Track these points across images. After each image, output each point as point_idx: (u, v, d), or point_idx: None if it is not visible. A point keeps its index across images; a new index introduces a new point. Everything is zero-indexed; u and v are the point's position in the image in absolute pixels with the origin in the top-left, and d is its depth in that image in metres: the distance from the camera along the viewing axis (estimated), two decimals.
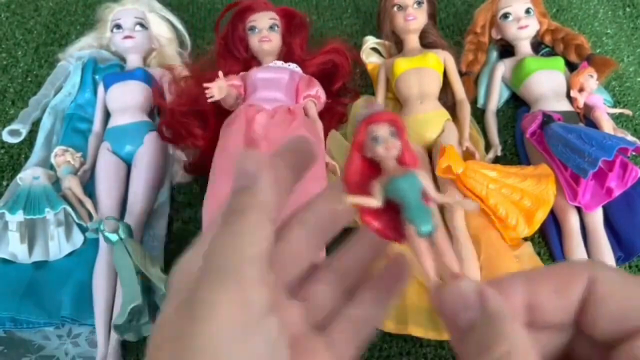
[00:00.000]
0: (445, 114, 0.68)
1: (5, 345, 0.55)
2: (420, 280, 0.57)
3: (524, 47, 0.74)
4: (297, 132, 0.62)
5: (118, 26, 0.74)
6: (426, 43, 0.75)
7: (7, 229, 0.59)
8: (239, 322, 0.14)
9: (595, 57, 0.72)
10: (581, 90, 0.68)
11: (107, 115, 0.72)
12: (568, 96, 0.70)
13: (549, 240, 0.61)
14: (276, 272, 0.16)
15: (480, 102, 0.75)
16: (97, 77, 0.75)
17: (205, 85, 0.60)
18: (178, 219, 0.65)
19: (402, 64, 0.71)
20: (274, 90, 0.67)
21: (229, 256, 0.15)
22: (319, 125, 0.67)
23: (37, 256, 0.59)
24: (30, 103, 0.74)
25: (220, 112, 0.67)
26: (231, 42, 0.74)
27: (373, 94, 0.74)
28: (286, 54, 0.74)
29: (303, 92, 0.68)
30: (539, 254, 0.60)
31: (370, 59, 0.77)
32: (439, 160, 0.59)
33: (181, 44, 0.80)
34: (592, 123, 0.68)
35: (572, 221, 0.60)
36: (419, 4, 0.74)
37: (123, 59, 0.76)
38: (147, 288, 0.54)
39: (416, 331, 0.54)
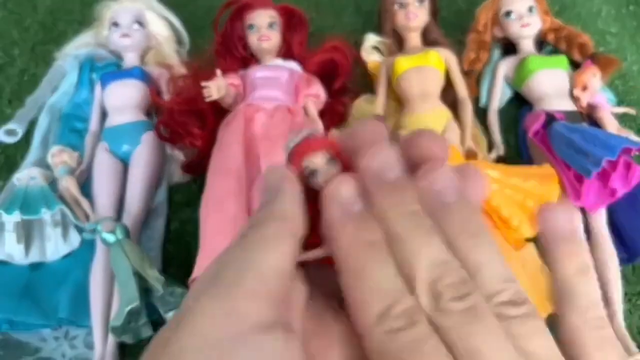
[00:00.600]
0: (446, 113, 0.68)
1: (2, 347, 0.55)
2: None
3: (527, 45, 0.73)
4: None
5: (115, 24, 0.73)
6: (428, 41, 0.74)
7: (3, 230, 0.58)
8: (226, 333, 0.13)
9: (598, 56, 0.72)
10: (584, 89, 0.67)
11: (104, 114, 0.71)
12: (571, 95, 0.69)
13: None
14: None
15: (483, 101, 0.74)
16: (94, 75, 0.74)
17: (203, 84, 0.60)
18: (176, 219, 0.64)
19: (403, 63, 0.70)
20: (273, 89, 0.66)
21: (233, 266, 0.14)
22: (319, 124, 0.67)
23: (34, 257, 0.58)
24: (26, 102, 0.73)
25: (219, 111, 0.66)
26: (230, 41, 0.73)
27: (373, 92, 0.73)
28: (286, 52, 0.73)
29: (303, 91, 0.68)
30: (541, 254, 0.59)
31: (371, 57, 0.77)
32: None
33: (179, 42, 0.80)
34: (595, 123, 0.67)
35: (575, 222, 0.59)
36: (421, 1, 0.73)
37: (120, 58, 0.76)
38: (145, 289, 0.54)
39: None
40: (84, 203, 0.62)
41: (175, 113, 0.65)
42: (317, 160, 0.17)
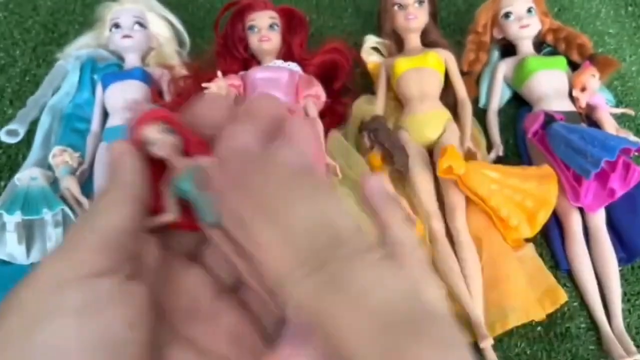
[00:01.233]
0: (446, 114, 0.68)
1: None
2: None
3: (526, 46, 0.74)
4: None
5: (117, 25, 0.73)
6: (427, 42, 0.75)
7: (4, 230, 0.59)
8: (64, 278, 0.15)
9: (597, 57, 0.72)
10: (583, 89, 0.68)
11: (105, 114, 0.71)
12: (570, 96, 0.69)
13: (551, 241, 0.61)
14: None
15: (482, 101, 0.75)
16: (95, 76, 0.74)
17: (204, 85, 0.60)
18: None
19: (402, 64, 0.70)
20: (273, 90, 0.67)
21: (77, 228, 0.17)
22: (319, 125, 0.67)
23: (35, 257, 0.59)
24: (28, 103, 0.73)
25: None
26: (231, 42, 0.74)
27: (373, 93, 0.74)
28: (286, 53, 0.73)
29: (303, 92, 0.68)
30: (540, 255, 0.60)
31: (371, 58, 0.77)
32: (440, 160, 0.59)
33: (180, 43, 0.80)
34: (594, 123, 0.67)
35: (574, 222, 0.59)
36: (420, 3, 0.73)
37: (121, 59, 0.76)
38: None
39: None
40: (85, 203, 0.62)
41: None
42: (152, 131, 0.18)
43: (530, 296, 0.55)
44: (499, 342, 0.54)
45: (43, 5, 0.89)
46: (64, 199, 0.62)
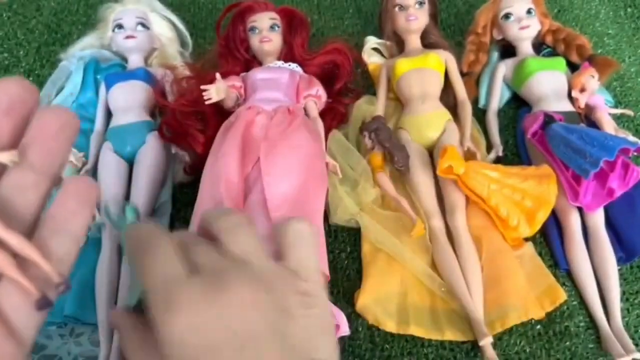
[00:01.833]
0: (446, 114, 0.68)
1: None
2: (422, 280, 0.58)
3: (525, 47, 0.74)
4: (297, 131, 0.62)
5: (120, 26, 0.74)
6: (427, 43, 0.75)
7: None
8: None
9: (596, 58, 0.72)
10: (582, 90, 0.68)
11: (108, 115, 0.72)
12: (569, 96, 0.70)
13: (550, 240, 0.61)
14: None
15: (482, 102, 0.75)
16: (98, 76, 0.75)
17: (202, 87, 0.60)
18: (180, 218, 0.65)
19: (403, 64, 0.71)
20: (274, 91, 0.67)
21: None
22: (320, 125, 0.67)
23: None
24: None
25: (221, 113, 0.67)
26: (232, 43, 0.74)
27: (374, 94, 0.74)
28: (287, 54, 0.74)
29: (303, 92, 0.68)
30: (540, 254, 0.60)
31: (372, 59, 0.77)
32: (440, 160, 0.59)
33: (182, 43, 0.80)
34: (593, 123, 0.68)
35: (573, 221, 0.60)
36: (421, 4, 0.74)
37: (124, 59, 0.76)
38: None
39: (418, 331, 0.54)
40: None
41: (178, 114, 0.65)
42: None
43: (530, 295, 0.56)
44: (499, 341, 0.54)
45: (46, 5, 0.89)
46: None
